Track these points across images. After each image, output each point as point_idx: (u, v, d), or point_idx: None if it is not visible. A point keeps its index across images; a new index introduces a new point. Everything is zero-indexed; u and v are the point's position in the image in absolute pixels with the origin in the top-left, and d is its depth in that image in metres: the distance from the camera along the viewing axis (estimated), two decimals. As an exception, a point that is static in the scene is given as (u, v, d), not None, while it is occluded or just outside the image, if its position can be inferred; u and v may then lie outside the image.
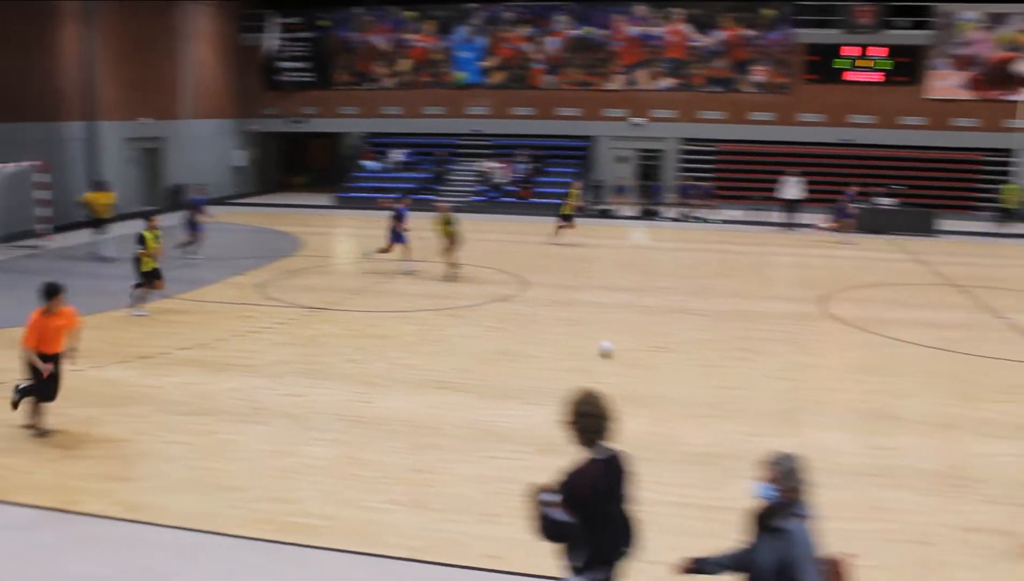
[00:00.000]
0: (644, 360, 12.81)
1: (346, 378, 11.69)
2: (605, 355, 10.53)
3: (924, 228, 27.45)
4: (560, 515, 4.66)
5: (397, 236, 19.21)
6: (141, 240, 15.11)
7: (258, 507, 7.85)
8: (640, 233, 27.06)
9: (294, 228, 26.41)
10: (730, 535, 7.38)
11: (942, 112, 31.87)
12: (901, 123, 32.05)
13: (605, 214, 30.43)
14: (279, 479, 8.47)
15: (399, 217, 19.27)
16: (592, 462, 4.78)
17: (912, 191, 29.63)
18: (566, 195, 24.94)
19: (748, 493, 4.71)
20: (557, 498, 4.70)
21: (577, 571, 4.78)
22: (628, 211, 30.40)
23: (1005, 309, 16.92)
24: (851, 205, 26.36)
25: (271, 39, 35.74)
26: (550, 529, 4.74)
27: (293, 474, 8.59)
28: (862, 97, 32.22)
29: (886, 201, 28.73)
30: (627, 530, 4.97)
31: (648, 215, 30.26)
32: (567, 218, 24.19)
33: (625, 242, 24.36)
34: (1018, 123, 31.13)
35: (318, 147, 39.86)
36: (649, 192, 32.03)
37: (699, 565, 4.95)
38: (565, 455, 8.96)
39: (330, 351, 13.05)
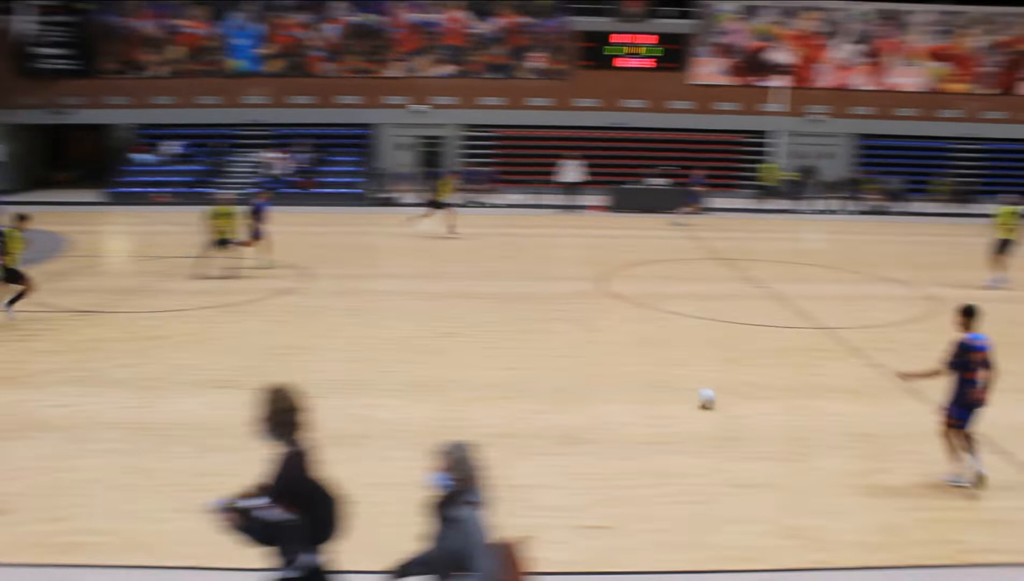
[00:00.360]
0: (433, 346, 12.88)
1: (122, 384, 11.08)
2: (706, 406, 10.37)
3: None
4: (276, 514, 4.63)
5: (256, 232, 18.69)
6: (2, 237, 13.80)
7: (28, 529, 7.31)
8: (424, 220, 27.08)
9: (60, 227, 24.71)
10: (526, 514, 7.60)
11: (706, 97, 33.81)
12: (670, 107, 33.74)
13: (387, 202, 30.31)
14: (51, 497, 7.92)
15: (258, 212, 18.71)
16: (295, 454, 4.80)
17: (682, 172, 31.23)
18: (441, 184, 24.64)
19: (425, 483, 4.82)
20: (266, 500, 4.66)
21: (291, 563, 4.78)
22: (411, 198, 30.39)
23: (765, 279, 18.22)
24: (698, 187, 27.68)
25: (24, 22, 33.22)
26: (264, 532, 4.70)
27: (67, 490, 8.05)
28: (634, 83, 33.66)
29: (658, 181, 30.14)
30: (337, 511, 5.00)
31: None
32: (440, 206, 23.92)
33: (409, 229, 24.33)
34: (771, 107, 33.45)
35: (84, 140, 37.44)
36: (432, 178, 32.12)
37: (404, 570, 5.01)
38: (355, 447, 8.92)
39: (103, 356, 12.32)
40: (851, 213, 30.42)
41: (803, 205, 30.63)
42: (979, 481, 8.33)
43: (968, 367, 8.18)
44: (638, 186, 29.85)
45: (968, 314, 8.36)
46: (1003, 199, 19.32)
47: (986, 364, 8.20)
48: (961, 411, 8.28)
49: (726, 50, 33.88)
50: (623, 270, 19.01)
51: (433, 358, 12.29)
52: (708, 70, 33.95)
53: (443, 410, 10.10)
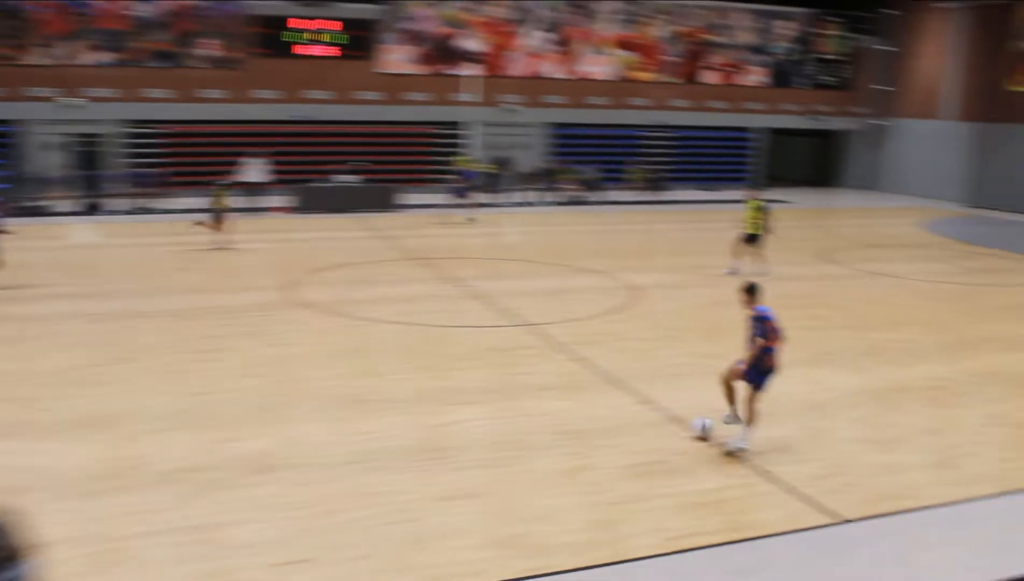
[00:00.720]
0: (100, 376, 12.05)
1: None
2: (704, 436, 10.00)
3: (385, 203, 29.25)
4: None
5: None
6: None
7: None
8: (83, 229, 25.39)
9: None
10: (218, 556, 7.29)
11: (396, 86, 34.13)
12: (358, 98, 33.74)
13: (35, 211, 28.04)
14: None
15: None
16: None
17: (374, 167, 31.35)
18: (219, 191, 22.87)
19: None
20: None
21: None
22: (66, 206, 28.34)
23: (465, 277, 18.72)
24: (466, 183, 27.75)
25: None
26: None
27: None
28: (318, 72, 33.30)
29: (347, 178, 30.07)
30: None
31: (91, 209, 28.51)
32: (221, 213, 22.35)
33: (66, 241, 22.69)
34: (464, 97, 34.40)
35: None
36: (91, 183, 30.08)
37: None
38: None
39: None
40: (549, 204, 31.89)
41: (500, 198, 31.71)
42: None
43: (765, 336, 9.48)
44: (326, 184, 29.63)
45: (751, 291, 9.69)
46: (748, 192, 20.70)
47: (775, 333, 9.48)
48: (759, 376, 9.56)
49: (414, 37, 34.40)
50: (313, 276, 18.80)
51: (101, 389, 11.51)
52: (396, 58, 34.32)
53: (114, 448, 9.47)
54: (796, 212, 31.51)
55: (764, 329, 9.48)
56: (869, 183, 40.84)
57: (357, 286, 18.00)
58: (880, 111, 40.16)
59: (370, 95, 33.85)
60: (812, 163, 43.51)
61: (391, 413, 10.66)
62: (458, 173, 28.44)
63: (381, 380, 11.91)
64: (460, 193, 27.74)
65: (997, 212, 33.47)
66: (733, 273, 18.94)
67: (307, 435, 9.92)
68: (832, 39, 40.38)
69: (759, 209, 19.70)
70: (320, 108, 33.30)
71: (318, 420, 10.42)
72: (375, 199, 29.23)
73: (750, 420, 9.62)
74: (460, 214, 27.39)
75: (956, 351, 14.30)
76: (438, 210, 28.20)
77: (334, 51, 33.45)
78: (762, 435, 9.98)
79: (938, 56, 37.87)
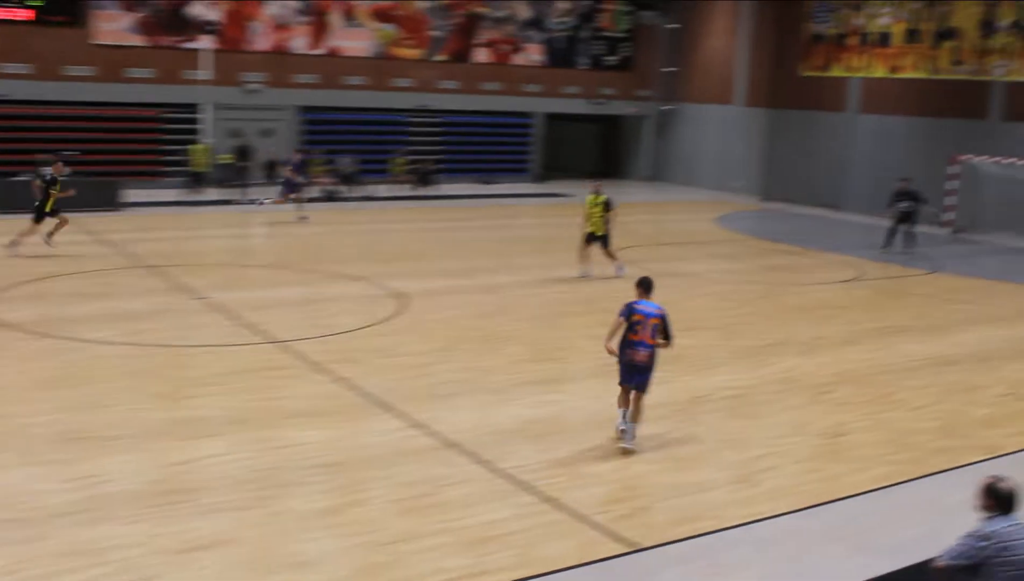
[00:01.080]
0: None
1: None
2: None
3: (106, 202, 28.11)
4: None
5: None
6: None
7: None
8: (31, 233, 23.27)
9: None
10: None
11: (114, 61, 32.83)
12: (65, 73, 32.23)
13: None
14: None
15: None
16: None
17: (88, 157, 30.09)
18: (50, 184, 21.23)
19: None
20: None
21: None
22: None
23: (203, 287, 18.33)
24: (297, 174, 27.41)
25: None
26: None
27: None
28: (13, 40, 31.61)
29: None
30: None
31: None
32: (53, 213, 21.12)
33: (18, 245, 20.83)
34: (201, 74, 33.49)
35: None
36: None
37: None
38: None
39: None
40: (299, 201, 31.45)
41: (241, 193, 31.05)
42: (618, 438, 10.89)
43: (631, 328, 10.62)
44: (29, 178, 28.13)
45: (641, 285, 10.99)
46: (591, 186, 21.28)
47: (660, 330, 10.67)
48: (621, 368, 10.79)
49: (136, 2, 33.23)
50: (12, 290, 17.90)
51: None
52: (114, 27, 33.03)
53: None
54: (579, 207, 32.50)
55: (630, 319, 10.57)
56: (658, 174, 42.73)
57: (71, 301, 17.28)
58: (668, 95, 42.08)
59: (81, 70, 32.43)
60: (596, 152, 45.03)
61: (118, 451, 10.31)
62: (291, 165, 27.94)
63: (105, 412, 11.50)
64: (290, 188, 27.27)
65: (791, 205, 35.74)
66: (585, 276, 20.29)
67: (10, 484, 9.46)
68: (614, 15, 41.94)
69: (597, 205, 20.41)
70: (16, 84, 31.60)
71: (24, 464, 9.94)
72: (92, 196, 27.99)
73: (625, 406, 10.93)
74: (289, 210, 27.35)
75: (755, 357, 15.22)
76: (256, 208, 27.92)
77: (28, 14, 31.70)
78: (545, 457, 10.32)
79: (729, 37, 40.12)
